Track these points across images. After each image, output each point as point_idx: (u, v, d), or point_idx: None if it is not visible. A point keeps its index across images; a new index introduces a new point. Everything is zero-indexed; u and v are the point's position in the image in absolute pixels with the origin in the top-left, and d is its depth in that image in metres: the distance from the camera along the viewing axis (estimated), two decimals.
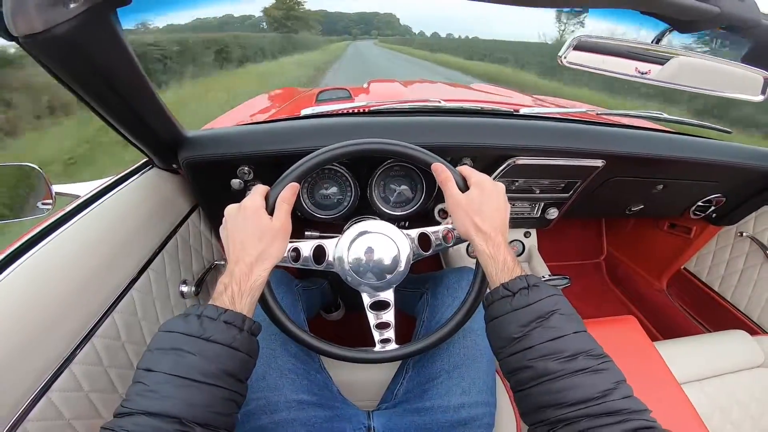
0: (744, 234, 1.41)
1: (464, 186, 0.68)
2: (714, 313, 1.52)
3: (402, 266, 0.73)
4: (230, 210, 0.64)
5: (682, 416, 0.86)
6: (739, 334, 1.15)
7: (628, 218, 1.72)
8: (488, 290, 0.60)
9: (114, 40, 0.56)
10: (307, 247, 0.72)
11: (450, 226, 0.75)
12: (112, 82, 0.62)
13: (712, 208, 1.39)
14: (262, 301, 0.69)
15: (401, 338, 0.78)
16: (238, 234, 0.61)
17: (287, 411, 0.72)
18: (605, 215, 1.87)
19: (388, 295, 0.76)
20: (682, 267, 1.68)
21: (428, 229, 0.75)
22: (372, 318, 0.76)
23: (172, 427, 0.45)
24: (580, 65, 0.69)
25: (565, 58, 0.67)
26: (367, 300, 0.76)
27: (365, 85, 1.95)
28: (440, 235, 0.75)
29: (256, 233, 0.61)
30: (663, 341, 1.12)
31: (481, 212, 0.64)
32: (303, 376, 0.78)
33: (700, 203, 1.38)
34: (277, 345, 0.79)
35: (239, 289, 0.57)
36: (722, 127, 1.28)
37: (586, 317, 0.98)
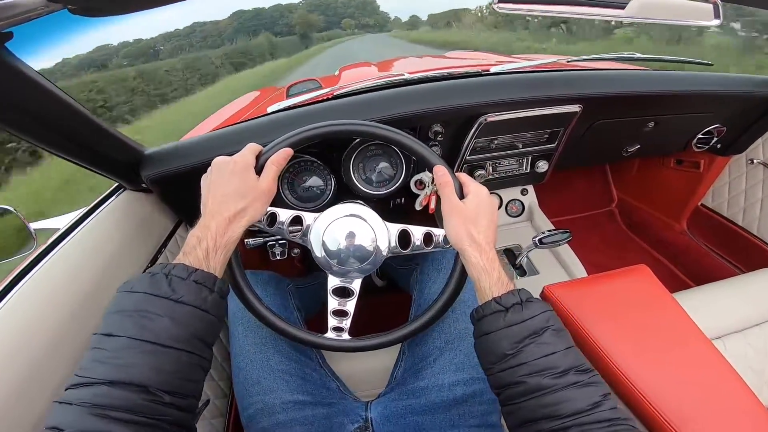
0: (755, 161, 1.34)
1: (461, 193, 0.67)
2: (743, 250, 1.45)
3: (377, 257, 0.71)
4: (219, 161, 0.63)
5: (713, 371, 0.75)
6: None
7: (631, 160, 1.64)
8: (478, 304, 0.59)
9: (14, 75, 0.55)
10: (285, 214, 0.70)
11: (435, 229, 0.72)
12: (35, 115, 0.62)
13: (715, 138, 1.33)
14: (229, 270, 0.68)
15: (404, 320, 0.77)
16: (222, 187, 0.60)
17: (285, 413, 0.73)
18: (603, 160, 1.80)
19: (355, 285, 0.74)
20: (699, 204, 1.61)
21: (411, 228, 0.73)
22: (332, 303, 0.74)
23: (138, 396, 0.42)
24: (517, 9, 0.66)
25: (495, 3, 0.64)
26: (332, 282, 0.74)
27: (336, 73, 1.92)
28: (418, 240, 0.72)
29: (240, 189, 0.60)
30: (692, 289, 1.05)
31: (477, 223, 0.63)
32: (297, 376, 0.78)
33: (700, 135, 1.32)
34: (269, 348, 0.79)
35: (214, 243, 0.56)
36: (702, 60, 1.21)
37: (607, 269, 0.95)
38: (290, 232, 0.71)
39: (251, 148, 0.66)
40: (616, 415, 0.46)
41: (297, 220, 0.71)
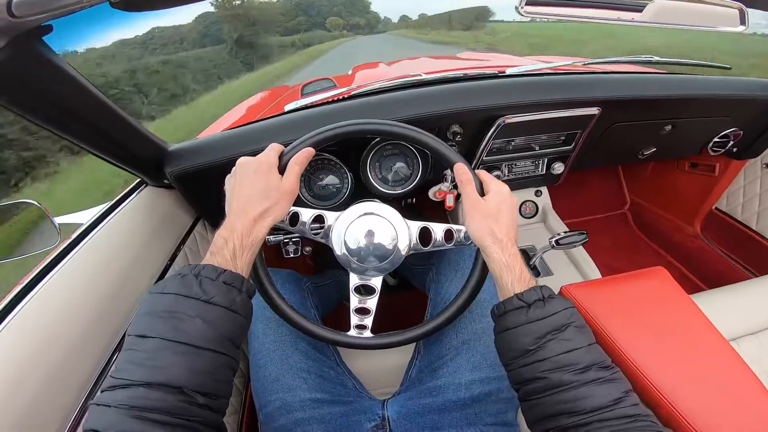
0: None
1: (481, 191, 0.68)
2: (757, 254, 1.44)
3: (396, 256, 0.72)
4: (243, 162, 0.63)
5: (733, 373, 0.76)
6: None
7: (645, 163, 1.64)
8: (499, 300, 0.60)
9: (50, 68, 0.56)
10: (307, 214, 0.71)
11: (455, 226, 0.73)
12: (66, 108, 0.63)
13: (731, 142, 1.32)
14: (253, 269, 0.68)
15: (418, 318, 0.77)
16: (246, 187, 0.61)
17: (302, 410, 0.73)
18: (618, 162, 1.80)
19: (376, 282, 0.75)
20: (713, 207, 1.60)
21: (431, 225, 0.73)
22: (354, 301, 0.75)
23: (174, 398, 0.42)
24: (543, 14, 0.66)
25: (522, 8, 0.64)
26: (354, 281, 0.75)
27: (350, 72, 1.93)
28: (440, 235, 0.73)
29: (264, 190, 0.61)
30: (705, 292, 1.05)
31: (499, 220, 0.63)
32: (315, 375, 0.78)
33: (716, 139, 1.31)
34: (288, 346, 0.80)
35: (240, 244, 0.56)
36: (720, 64, 1.21)
37: (619, 272, 0.95)
38: (312, 231, 0.72)
39: (274, 148, 0.66)
40: (637, 411, 0.46)
41: (318, 220, 0.72)
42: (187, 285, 0.49)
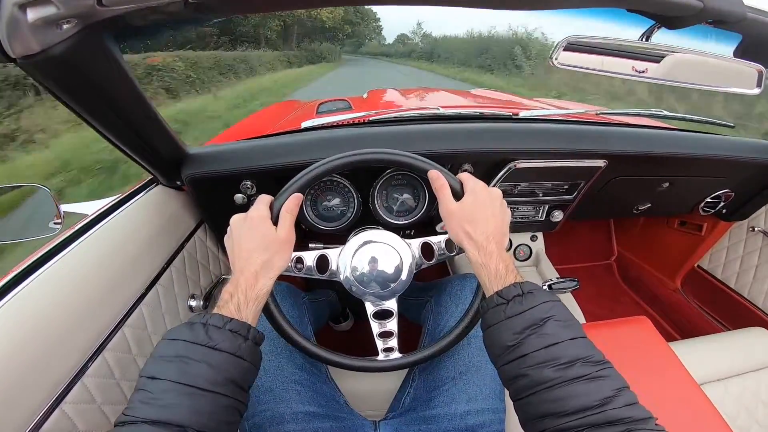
0: (756, 229, 1.39)
1: (461, 193, 0.69)
2: (732, 311, 1.49)
3: (405, 276, 0.73)
4: (236, 220, 0.65)
5: (703, 416, 0.84)
6: (759, 332, 1.14)
7: (637, 218, 1.69)
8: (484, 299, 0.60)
9: (110, 60, 0.57)
10: (310, 257, 0.73)
11: None
12: (111, 101, 0.64)
13: (722, 203, 1.37)
14: (268, 313, 0.70)
15: (406, 347, 0.78)
16: (244, 244, 0.63)
17: (294, 422, 0.72)
18: (612, 215, 1.85)
19: (392, 305, 0.76)
20: (695, 265, 1.65)
21: (431, 239, 0.75)
22: (375, 327, 0.76)
23: None
24: (572, 66, 0.70)
25: (556, 59, 0.68)
26: (370, 309, 0.76)
27: (365, 96, 1.97)
28: (442, 244, 0.75)
29: (261, 243, 0.62)
30: (680, 341, 1.10)
31: (473, 221, 0.64)
32: (309, 388, 0.78)
33: (708, 199, 1.36)
34: (284, 358, 0.79)
35: (245, 298, 0.58)
36: (725, 122, 1.27)
37: (599, 319, 0.98)
38: (319, 272, 0.74)
39: (263, 201, 0.68)
40: (629, 414, 0.43)
41: (323, 259, 0.74)
42: (195, 332, 0.52)
